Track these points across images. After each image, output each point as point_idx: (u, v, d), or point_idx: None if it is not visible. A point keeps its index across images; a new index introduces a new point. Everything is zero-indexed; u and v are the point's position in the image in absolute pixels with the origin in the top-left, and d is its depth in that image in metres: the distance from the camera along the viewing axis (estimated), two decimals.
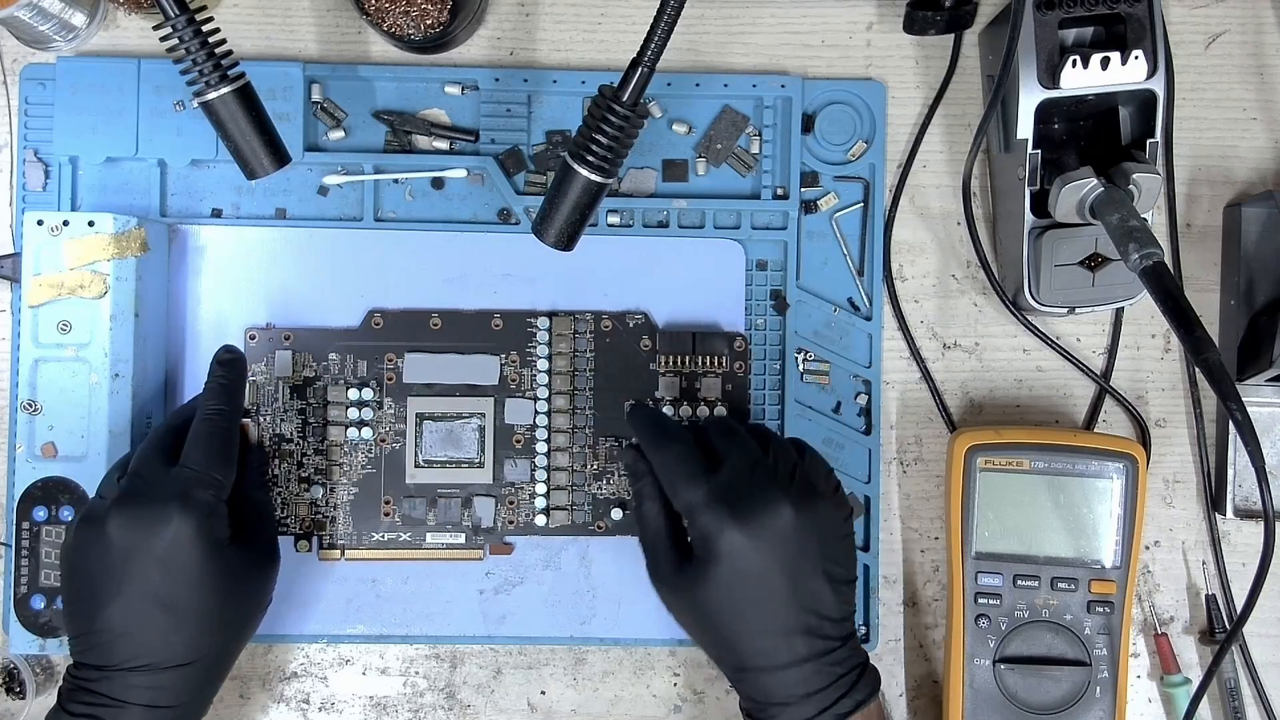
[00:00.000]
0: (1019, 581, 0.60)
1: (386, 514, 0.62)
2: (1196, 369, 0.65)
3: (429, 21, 0.59)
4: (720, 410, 0.63)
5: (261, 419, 0.62)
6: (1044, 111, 0.59)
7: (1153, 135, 0.59)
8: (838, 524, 0.54)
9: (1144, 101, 0.59)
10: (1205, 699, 0.62)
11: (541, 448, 0.62)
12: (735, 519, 0.51)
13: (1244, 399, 0.50)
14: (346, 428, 0.62)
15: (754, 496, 0.52)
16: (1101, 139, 0.62)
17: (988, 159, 0.65)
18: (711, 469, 0.54)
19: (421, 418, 0.62)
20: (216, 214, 0.63)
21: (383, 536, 0.62)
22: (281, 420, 0.62)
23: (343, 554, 0.62)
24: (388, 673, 0.64)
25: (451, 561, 0.63)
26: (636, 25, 0.64)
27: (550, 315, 0.63)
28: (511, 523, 0.62)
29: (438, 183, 0.64)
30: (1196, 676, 0.64)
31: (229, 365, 0.57)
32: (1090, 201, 0.56)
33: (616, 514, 0.63)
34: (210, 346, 0.62)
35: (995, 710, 0.60)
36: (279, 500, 0.62)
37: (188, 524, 0.51)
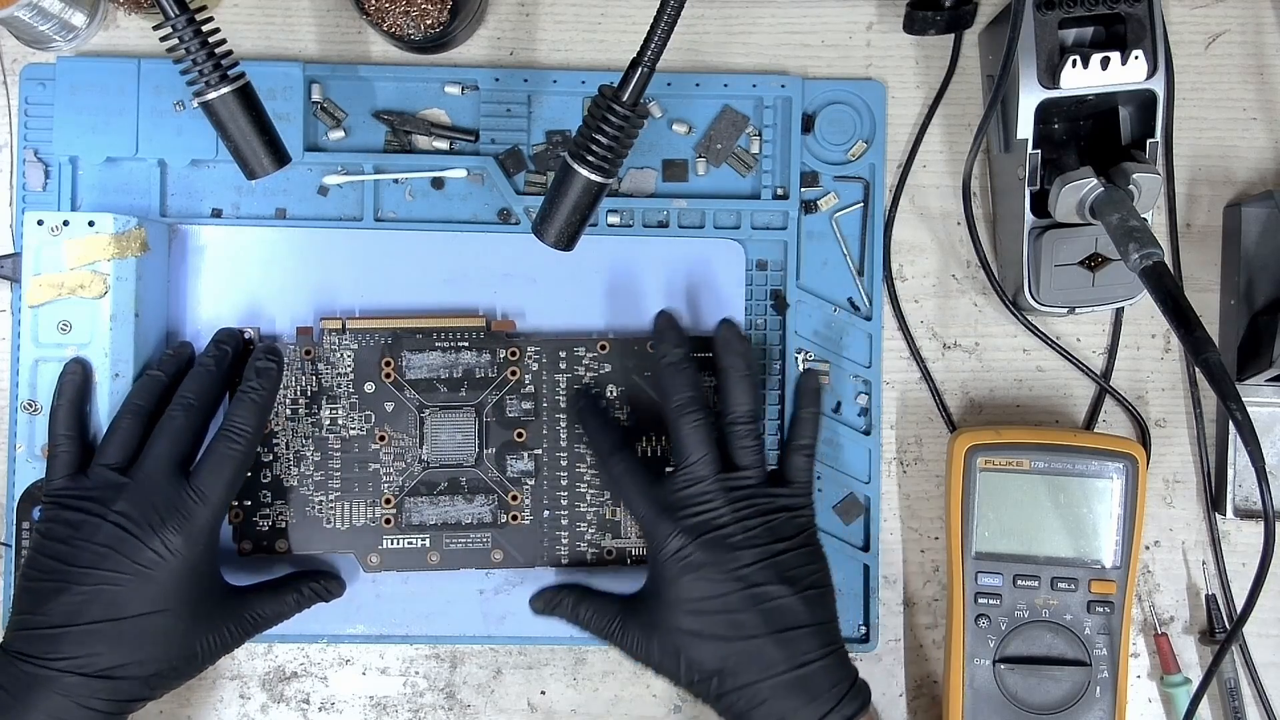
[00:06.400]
0: (1019, 581, 0.60)
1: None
2: (1196, 369, 0.65)
3: (429, 21, 0.59)
4: None
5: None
6: (1044, 111, 0.59)
7: (1153, 135, 0.59)
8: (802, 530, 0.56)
9: (1144, 101, 0.59)
10: (1205, 699, 0.61)
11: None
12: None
13: (1244, 399, 0.50)
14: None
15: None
16: (1101, 139, 0.62)
17: (988, 159, 0.65)
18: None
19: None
20: (216, 214, 0.63)
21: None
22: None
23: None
24: (388, 673, 0.64)
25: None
26: (636, 25, 0.64)
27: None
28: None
29: (438, 183, 0.64)
30: (1196, 676, 0.64)
31: (265, 376, 0.56)
32: (1090, 201, 0.56)
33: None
34: None
35: (995, 710, 0.60)
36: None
37: (176, 540, 0.51)
